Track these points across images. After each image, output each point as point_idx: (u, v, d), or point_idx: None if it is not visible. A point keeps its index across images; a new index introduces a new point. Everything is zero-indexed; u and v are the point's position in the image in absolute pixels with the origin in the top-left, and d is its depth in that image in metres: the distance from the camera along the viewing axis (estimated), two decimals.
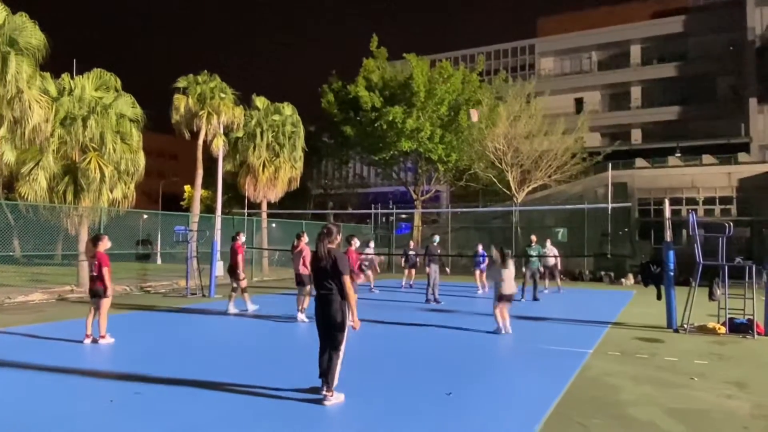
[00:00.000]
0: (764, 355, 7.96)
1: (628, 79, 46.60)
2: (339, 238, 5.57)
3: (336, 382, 5.26)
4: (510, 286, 9.22)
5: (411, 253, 18.12)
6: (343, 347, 5.32)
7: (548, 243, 16.74)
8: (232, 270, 11.68)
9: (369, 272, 16.73)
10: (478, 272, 16.79)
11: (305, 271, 10.28)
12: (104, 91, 16.28)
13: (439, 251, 14.84)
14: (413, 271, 18.05)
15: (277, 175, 24.19)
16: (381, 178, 37.87)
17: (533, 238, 15.74)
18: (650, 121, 45.10)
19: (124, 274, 17.94)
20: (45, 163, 14.65)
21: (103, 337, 8.01)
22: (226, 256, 19.07)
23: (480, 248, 16.77)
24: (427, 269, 13.91)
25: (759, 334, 9.24)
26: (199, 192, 22.25)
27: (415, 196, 31.70)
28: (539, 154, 25.84)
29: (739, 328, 9.41)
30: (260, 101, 25.02)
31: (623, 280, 21.31)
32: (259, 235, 23.40)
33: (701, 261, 9.74)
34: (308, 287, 10.26)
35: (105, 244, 8.23)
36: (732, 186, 25.32)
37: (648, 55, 46.54)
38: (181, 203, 51.61)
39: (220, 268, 16.24)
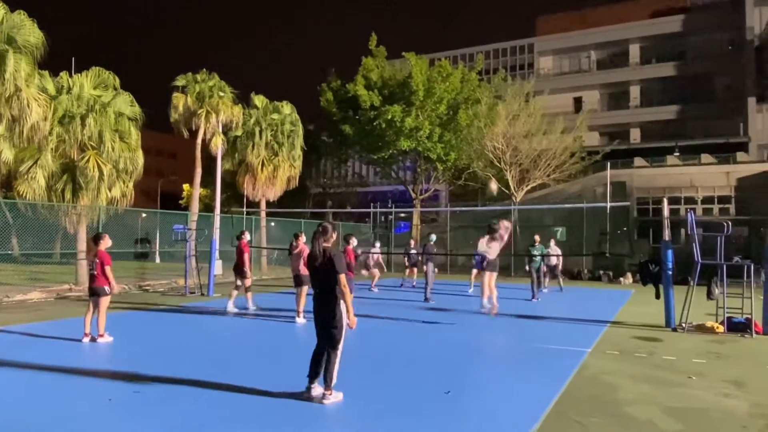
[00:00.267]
0: (762, 354, 7.96)
1: (627, 78, 46.66)
2: (335, 236, 5.58)
3: (335, 380, 5.26)
4: (494, 255, 9.95)
5: (412, 252, 18.17)
6: (341, 346, 5.32)
7: (552, 243, 16.73)
8: (238, 268, 11.69)
9: (376, 270, 16.80)
10: (474, 272, 16.72)
11: (305, 271, 10.24)
12: (103, 89, 16.25)
13: (435, 250, 14.85)
14: (414, 270, 18.09)
15: (275, 174, 24.21)
16: (380, 176, 37.83)
17: (537, 237, 15.66)
18: (649, 121, 45.15)
19: (123, 273, 17.91)
20: (43, 161, 14.64)
21: (101, 335, 8.01)
22: (224, 255, 19.22)
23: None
24: (425, 268, 13.95)
25: (757, 333, 9.25)
26: (197, 191, 22.24)
27: (413, 195, 31.66)
28: (538, 153, 25.87)
29: (738, 327, 9.43)
30: (259, 100, 25.02)
31: (622, 279, 21.35)
32: (257, 234, 23.40)
33: (699, 260, 9.77)
34: (306, 287, 10.25)
35: (106, 243, 8.27)
36: (730, 185, 25.37)
37: (647, 55, 46.59)
38: (180, 202, 51.62)
39: (218, 266, 16.24)
